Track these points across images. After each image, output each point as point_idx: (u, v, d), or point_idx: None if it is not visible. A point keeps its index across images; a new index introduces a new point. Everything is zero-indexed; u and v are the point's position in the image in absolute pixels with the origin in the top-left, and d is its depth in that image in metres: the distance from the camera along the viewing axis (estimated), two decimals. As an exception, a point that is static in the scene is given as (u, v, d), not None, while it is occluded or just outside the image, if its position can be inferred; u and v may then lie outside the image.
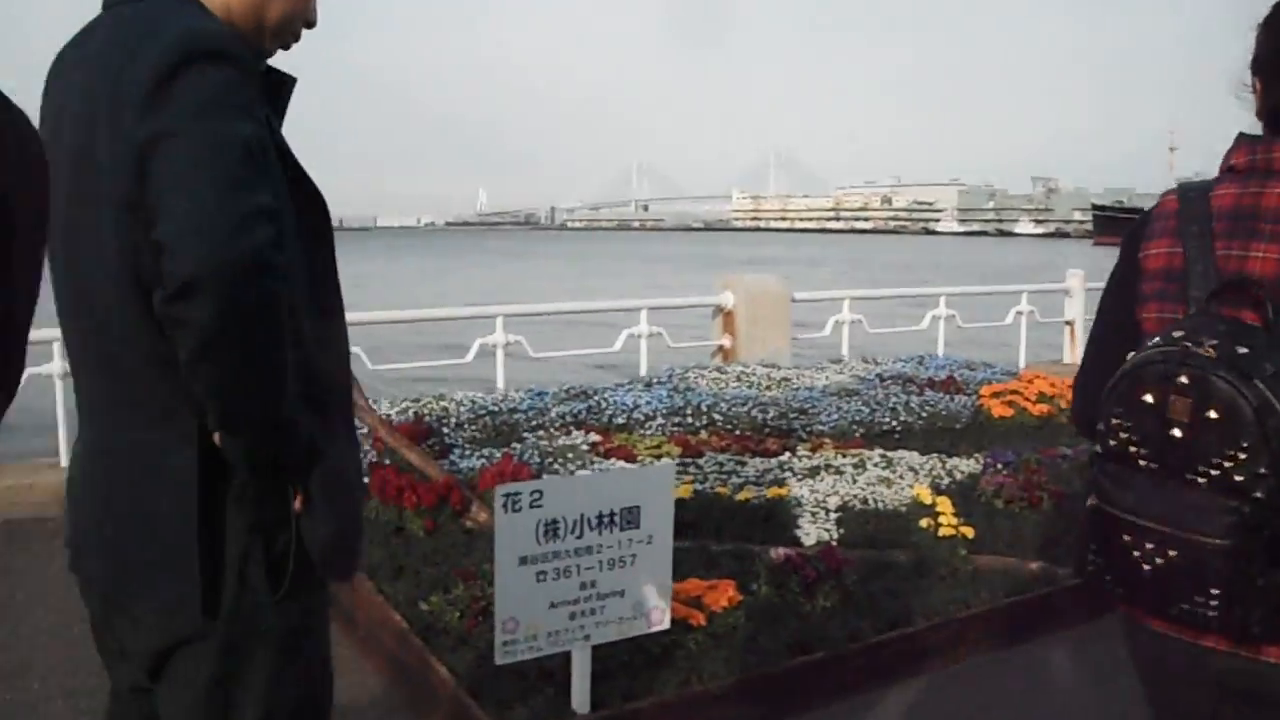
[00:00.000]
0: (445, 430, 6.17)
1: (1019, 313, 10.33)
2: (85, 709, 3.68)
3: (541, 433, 6.22)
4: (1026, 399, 6.94)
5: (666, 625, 3.56)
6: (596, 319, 9.15)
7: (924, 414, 6.71)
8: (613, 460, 5.78)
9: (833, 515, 5.13)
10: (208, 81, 1.48)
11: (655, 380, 7.47)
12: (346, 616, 4.34)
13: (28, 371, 5.03)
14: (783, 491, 5.17)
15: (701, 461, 5.71)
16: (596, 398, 6.84)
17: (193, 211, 1.40)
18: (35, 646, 4.23)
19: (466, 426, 6.26)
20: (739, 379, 7.52)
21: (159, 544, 1.60)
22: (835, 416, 6.58)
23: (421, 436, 5.99)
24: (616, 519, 3.38)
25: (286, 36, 1.81)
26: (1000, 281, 15.90)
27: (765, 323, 8.44)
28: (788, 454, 5.86)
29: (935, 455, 5.94)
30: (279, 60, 1.89)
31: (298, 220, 1.63)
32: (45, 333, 6.39)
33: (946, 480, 5.60)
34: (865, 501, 5.29)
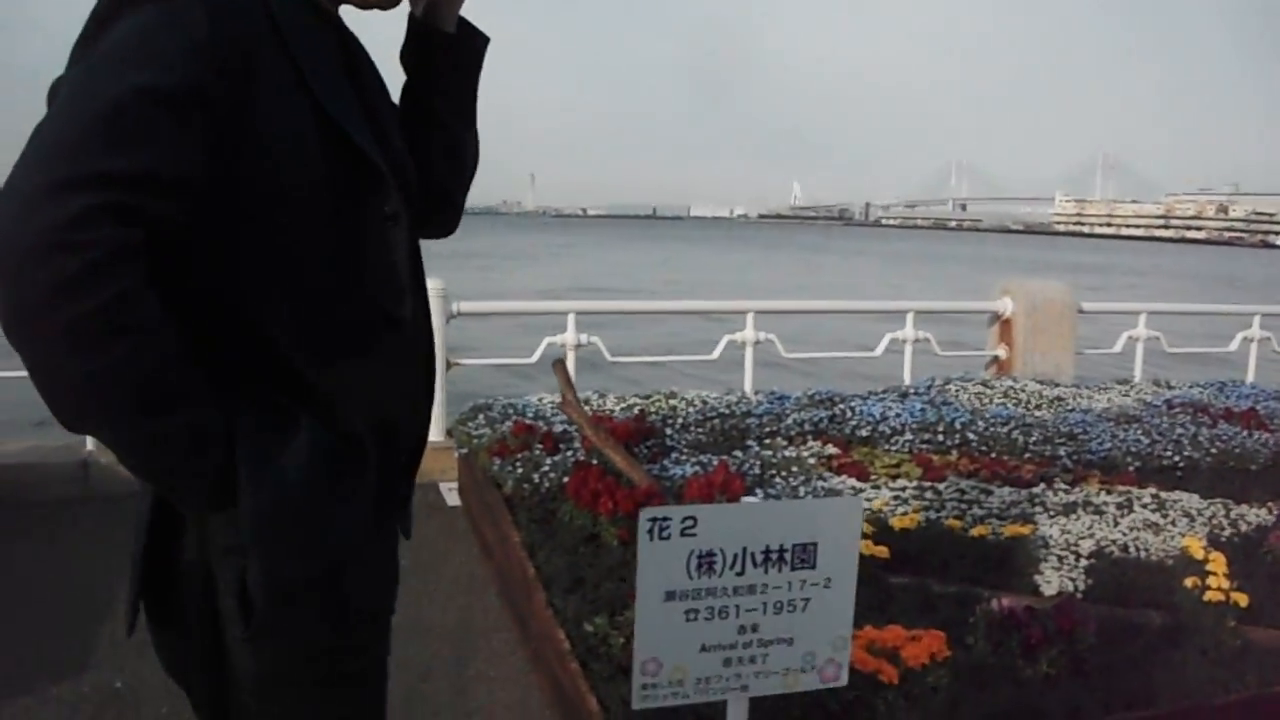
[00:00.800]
0: (668, 432, 5.88)
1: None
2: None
3: (772, 441, 5.83)
4: (1345, 441, 5.91)
5: (844, 681, 3.11)
6: (861, 319, 8.62)
7: (1213, 450, 5.82)
8: (843, 477, 5.32)
9: (1083, 562, 4.47)
10: (126, 29, 1.24)
11: (912, 390, 6.89)
12: (522, 622, 4.15)
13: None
14: (1025, 530, 4.55)
15: (942, 486, 5.15)
16: (841, 406, 6.37)
17: (10, 177, 1.17)
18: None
19: (693, 429, 5.94)
20: (1006, 395, 6.83)
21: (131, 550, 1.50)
22: (1107, 445, 5.82)
23: (640, 437, 5.73)
24: (787, 556, 2.96)
25: None
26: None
27: (1046, 334, 7.67)
28: (1043, 485, 5.20)
29: (1219, 500, 5.11)
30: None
31: (336, 189, 1.39)
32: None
33: (1228, 531, 4.80)
34: (1125, 549, 4.59)
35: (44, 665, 3.86)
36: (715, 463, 5.31)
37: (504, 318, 7.55)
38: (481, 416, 6.06)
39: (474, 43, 1.68)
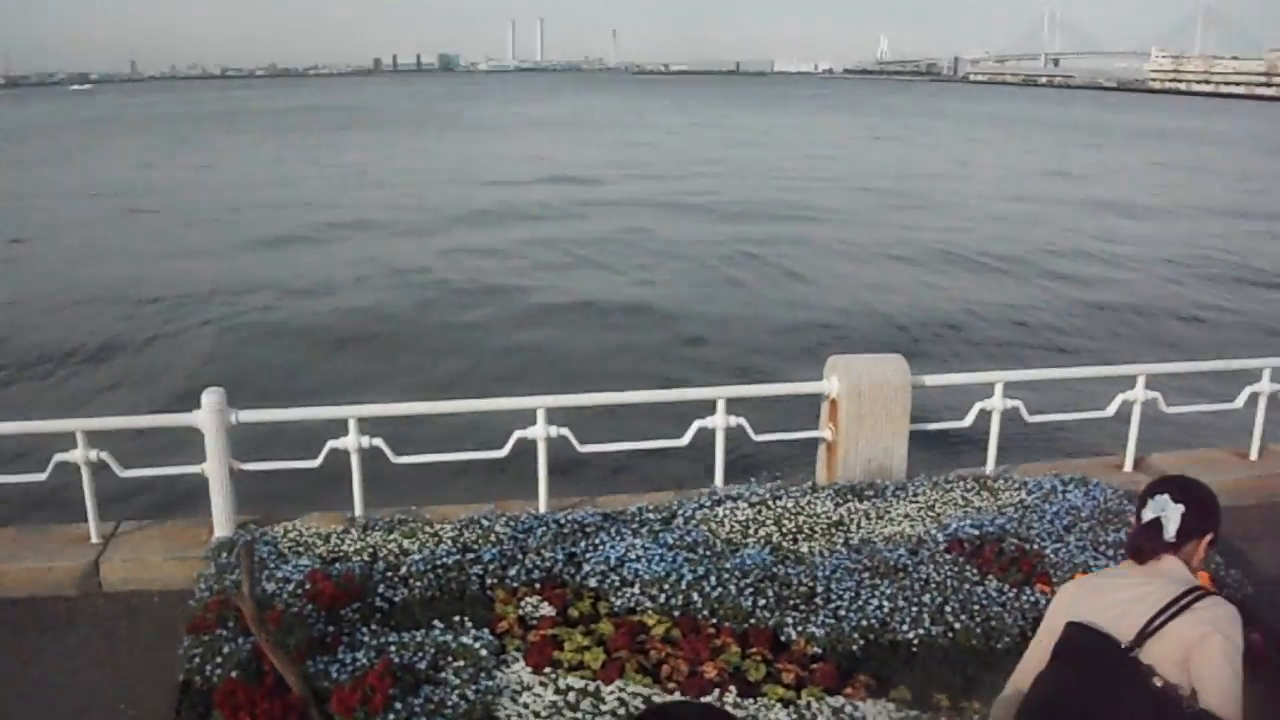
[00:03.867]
0: (381, 588, 5.61)
1: (1256, 393, 7.86)
2: None
3: (471, 608, 5.51)
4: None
5: None
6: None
7: (959, 620, 5.33)
8: (518, 666, 5.03)
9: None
10: None
11: (681, 514, 6.44)
12: None
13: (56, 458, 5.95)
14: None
15: (609, 690, 4.83)
16: (585, 543, 6.02)
17: None
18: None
19: (412, 582, 5.64)
20: (778, 521, 6.26)
21: None
22: (836, 617, 5.37)
23: (347, 600, 5.49)
24: None
25: None
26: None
27: (875, 418, 7.09)
28: (718, 691, 4.82)
29: (928, 712, 4.73)
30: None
31: None
32: (66, 423, 6.55)
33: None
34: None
35: None
36: (394, 649, 5.08)
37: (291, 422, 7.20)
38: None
39: None
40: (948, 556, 5.87)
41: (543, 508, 6.89)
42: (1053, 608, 3.45)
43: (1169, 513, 3.25)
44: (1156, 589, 3.16)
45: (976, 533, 6.08)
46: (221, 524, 6.65)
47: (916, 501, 6.61)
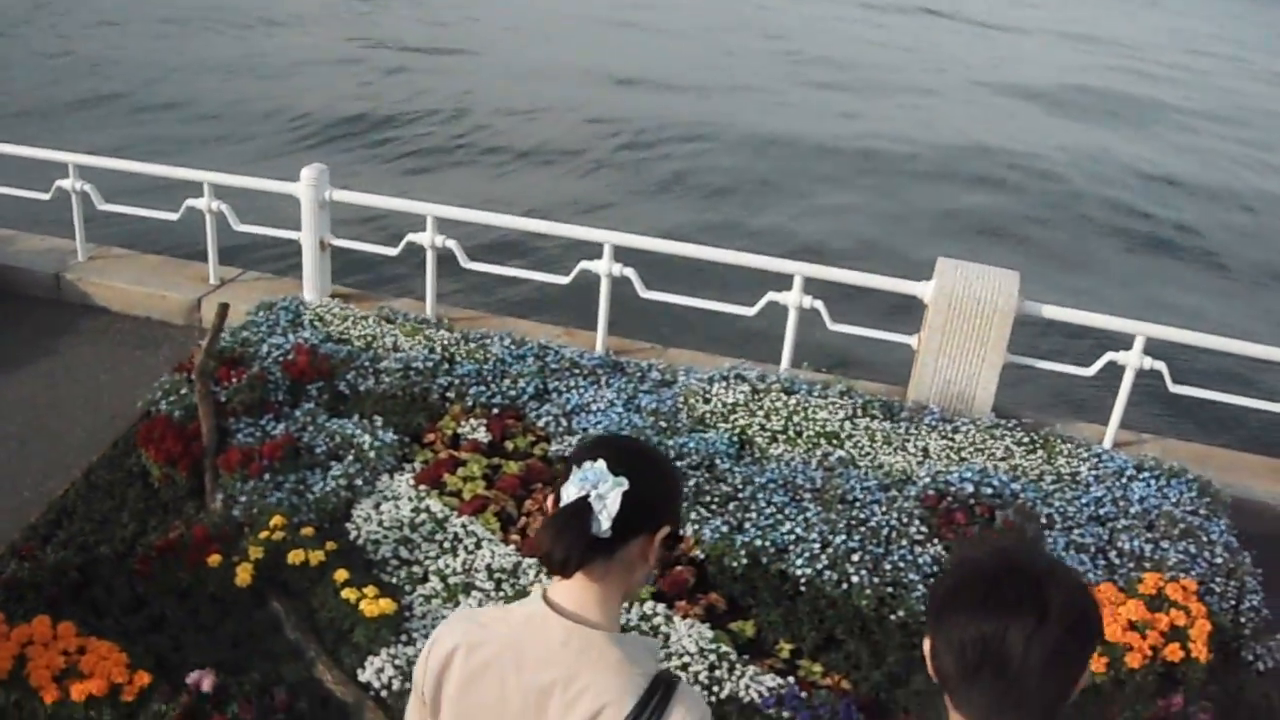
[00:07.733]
0: (352, 375, 5.77)
1: None
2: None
3: (405, 413, 5.61)
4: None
5: None
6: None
7: (860, 574, 4.63)
8: (405, 477, 5.09)
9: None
10: None
11: (683, 380, 6.10)
12: None
13: (186, 203, 6.76)
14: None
15: (451, 524, 4.78)
16: (563, 383, 5.87)
17: None
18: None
19: (382, 377, 5.76)
20: (766, 415, 5.70)
21: None
22: (741, 526, 4.93)
23: (314, 376, 5.73)
24: None
25: None
26: None
27: (963, 336, 6.20)
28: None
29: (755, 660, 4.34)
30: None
31: None
32: (196, 173, 7.17)
33: None
34: None
35: None
36: (309, 430, 5.31)
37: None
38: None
39: None
40: (911, 504, 5.14)
41: (599, 346, 6.77)
42: (426, 663, 2.06)
43: (604, 490, 1.93)
44: (589, 679, 1.93)
45: (972, 489, 5.27)
46: (310, 289, 7.08)
47: (951, 439, 5.78)
